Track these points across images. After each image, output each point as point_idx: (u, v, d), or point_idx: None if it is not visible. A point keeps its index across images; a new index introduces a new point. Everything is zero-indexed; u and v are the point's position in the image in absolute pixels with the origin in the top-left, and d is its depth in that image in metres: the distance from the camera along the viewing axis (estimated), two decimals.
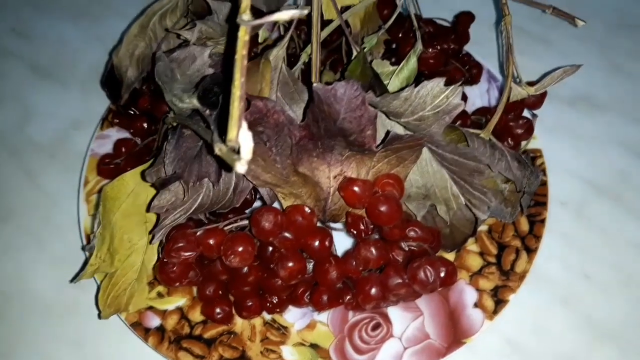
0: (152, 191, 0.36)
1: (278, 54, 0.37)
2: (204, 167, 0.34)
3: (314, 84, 0.30)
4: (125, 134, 0.45)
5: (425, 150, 0.35)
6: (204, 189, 0.35)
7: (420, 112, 0.32)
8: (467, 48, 0.48)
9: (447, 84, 0.31)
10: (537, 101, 0.40)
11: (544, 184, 0.41)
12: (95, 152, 0.44)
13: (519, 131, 0.40)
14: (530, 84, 0.40)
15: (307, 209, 0.34)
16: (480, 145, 0.36)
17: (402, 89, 0.31)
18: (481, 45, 0.51)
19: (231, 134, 0.21)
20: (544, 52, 0.53)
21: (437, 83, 0.31)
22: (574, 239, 0.43)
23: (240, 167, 0.21)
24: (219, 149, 0.23)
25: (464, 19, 0.48)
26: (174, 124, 0.38)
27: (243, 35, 0.21)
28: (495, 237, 0.40)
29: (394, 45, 0.44)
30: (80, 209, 0.42)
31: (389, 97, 0.31)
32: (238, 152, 0.21)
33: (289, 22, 0.47)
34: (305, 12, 0.22)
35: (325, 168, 0.35)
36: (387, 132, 0.34)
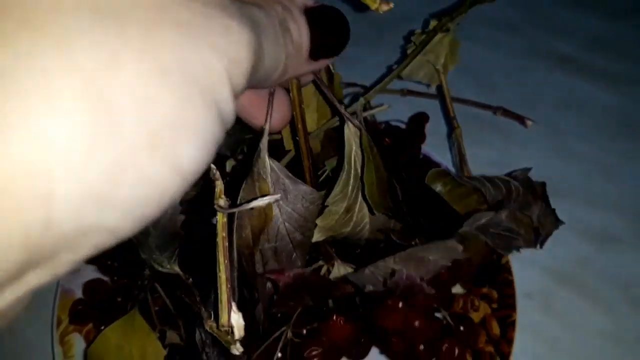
0: (137, 342, 0.36)
1: None
2: None
3: None
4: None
5: None
6: None
7: None
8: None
9: None
10: None
11: (510, 283, 0.43)
12: (65, 288, 0.44)
13: None
14: None
15: None
16: None
17: None
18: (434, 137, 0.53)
19: (223, 318, 0.22)
20: (496, 139, 0.55)
21: None
22: (543, 333, 0.44)
23: (236, 350, 0.22)
24: (210, 326, 0.23)
25: (419, 120, 0.50)
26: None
27: (221, 219, 0.22)
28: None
29: None
30: (55, 352, 0.41)
31: None
32: (232, 332, 0.22)
33: None
34: (278, 197, 0.24)
35: None
36: None
